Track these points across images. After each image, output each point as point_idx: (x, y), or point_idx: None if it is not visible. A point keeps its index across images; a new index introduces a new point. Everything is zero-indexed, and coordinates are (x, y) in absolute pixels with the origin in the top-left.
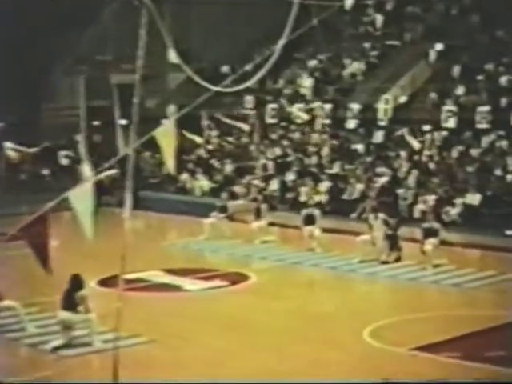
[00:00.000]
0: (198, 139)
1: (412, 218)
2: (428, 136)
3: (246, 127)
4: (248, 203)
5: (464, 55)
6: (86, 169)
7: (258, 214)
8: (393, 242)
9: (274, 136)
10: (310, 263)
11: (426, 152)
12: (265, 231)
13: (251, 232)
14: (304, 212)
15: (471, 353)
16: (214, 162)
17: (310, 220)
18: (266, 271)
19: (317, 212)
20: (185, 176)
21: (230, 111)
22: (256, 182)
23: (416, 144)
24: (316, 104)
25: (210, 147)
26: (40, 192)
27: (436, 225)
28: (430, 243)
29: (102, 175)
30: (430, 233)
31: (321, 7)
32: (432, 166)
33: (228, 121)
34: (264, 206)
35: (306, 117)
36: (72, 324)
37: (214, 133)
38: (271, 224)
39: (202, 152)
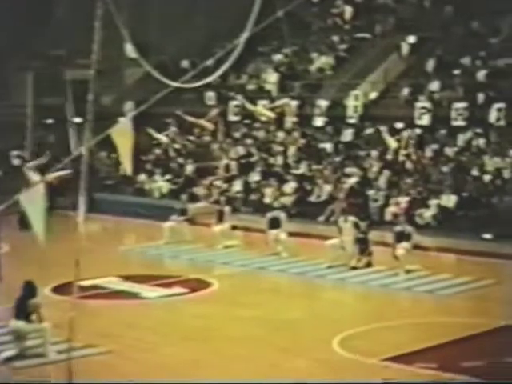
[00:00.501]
0: (164, 138)
1: (383, 220)
2: (404, 134)
3: (209, 125)
4: (210, 205)
5: (438, 48)
6: (32, 170)
7: (220, 217)
8: (363, 246)
9: (237, 134)
10: (275, 269)
11: (403, 151)
12: (227, 235)
13: (213, 236)
14: (269, 215)
15: (447, 363)
16: (174, 162)
17: (275, 223)
18: (228, 277)
19: (282, 215)
20: (142, 177)
21: (191, 108)
22: (218, 183)
23: (393, 143)
24: (282, 100)
25: (176, 146)
26: None
27: (409, 228)
28: (403, 247)
29: (52, 176)
30: (402, 236)
31: None
32: (404, 165)
33: (190, 119)
34: (226, 209)
35: (272, 115)
36: (25, 334)
37: (175, 131)
38: (234, 227)
39: (160, 152)
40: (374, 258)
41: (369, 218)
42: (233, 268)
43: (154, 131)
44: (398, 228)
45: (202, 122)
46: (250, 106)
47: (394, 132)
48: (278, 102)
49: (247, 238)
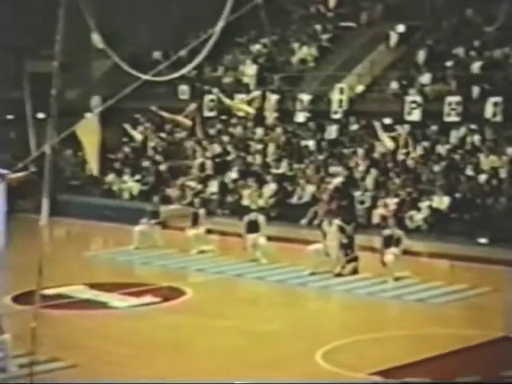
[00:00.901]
0: (138, 135)
1: (370, 224)
2: (401, 131)
3: (188, 122)
4: (183, 208)
5: (429, 38)
6: None
7: (194, 221)
8: (349, 251)
9: (212, 131)
10: (253, 276)
11: (403, 150)
12: (202, 240)
13: (187, 241)
14: (247, 218)
15: (439, 377)
16: (147, 161)
17: (253, 227)
18: (203, 285)
19: (261, 218)
20: (111, 177)
21: (163, 103)
22: (192, 183)
23: (389, 143)
24: (256, 93)
25: (151, 144)
26: None
27: (398, 232)
28: (391, 253)
29: (12, 177)
30: (391, 241)
31: None
32: (395, 165)
33: (166, 115)
34: (201, 211)
35: (250, 110)
36: None
37: (144, 128)
38: (209, 231)
39: (129, 150)
40: (360, 264)
41: (355, 221)
42: (208, 275)
43: (129, 127)
44: (387, 232)
45: (180, 118)
46: (226, 101)
47: (383, 128)
48: (252, 95)
49: (223, 243)
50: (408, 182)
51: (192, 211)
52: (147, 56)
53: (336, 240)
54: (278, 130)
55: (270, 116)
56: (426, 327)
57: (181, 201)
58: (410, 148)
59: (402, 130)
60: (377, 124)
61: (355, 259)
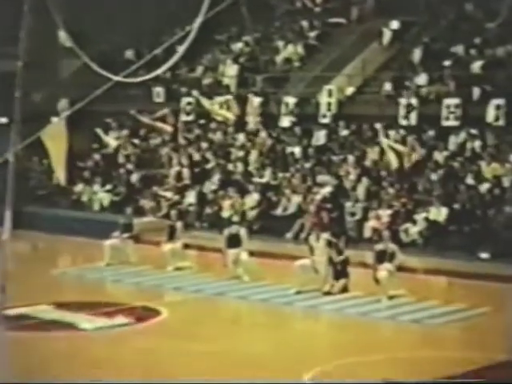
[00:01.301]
0: (113, 142)
1: (362, 237)
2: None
3: (168, 128)
4: (158, 220)
5: (426, 35)
6: None
7: (170, 234)
8: (338, 267)
9: (190, 137)
10: (235, 295)
11: (415, 156)
12: (179, 255)
13: (162, 256)
14: (227, 231)
15: None
16: (119, 170)
17: (234, 241)
18: (180, 305)
19: (243, 231)
20: (80, 187)
21: (136, 106)
22: (168, 193)
23: (402, 148)
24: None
25: (124, 152)
26: None
27: (392, 246)
28: (385, 269)
29: None
30: (384, 256)
31: None
32: (384, 173)
33: (145, 120)
34: (178, 224)
35: (229, 115)
36: None
37: (116, 133)
38: (187, 246)
39: (99, 157)
40: (351, 281)
41: (345, 235)
42: (185, 294)
43: (100, 133)
44: (380, 246)
45: (160, 124)
46: (206, 104)
47: (375, 133)
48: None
49: (202, 259)
50: (403, 191)
51: (168, 224)
52: (119, 55)
53: (324, 255)
54: (262, 135)
55: (253, 120)
56: (422, 350)
57: (156, 213)
58: (418, 153)
59: (410, 137)
60: (378, 125)
61: (345, 276)
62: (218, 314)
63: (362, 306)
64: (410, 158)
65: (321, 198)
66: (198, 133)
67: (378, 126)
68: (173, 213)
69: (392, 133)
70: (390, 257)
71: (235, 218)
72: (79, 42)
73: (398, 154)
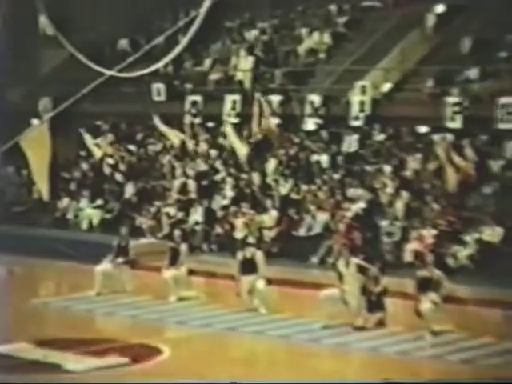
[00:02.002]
0: (95, 149)
1: (401, 262)
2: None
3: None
4: (158, 242)
5: (476, 21)
6: None
7: (173, 259)
8: (373, 298)
9: (195, 143)
10: (250, 330)
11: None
12: (183, 283)
13: (163, 284)
14: (241, 255)
15: None
16: (109, 182)
17: (249, 266)
18: (184, 342)
19: (259, 255)
20: (65, 202)
21: (132, 106)
22: (170, 210)
23: (463, 163)
24: (257, 95)
25: (110, 160)
26: None
27: (437, 272)
28: (429, 300)
29: None
30: (427, 284)
31: None
32: (428, 185)
33: (163, 128)
34: (182, 247)
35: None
36: None
37: (109, 138)
38: (192, 272)
39: (88, 167)
40: (388, 314)
41: (381, 259)
42: (190, 329)
43: (88, 138)
44: (423, 273)
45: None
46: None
47: (416, 138)
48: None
49: (211, 288)
50: (450, 208)
51: (170, 246)
52: (111, 46)
53: (356, 283)
54: (279, 141)
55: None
56: None
57: (156, 233)
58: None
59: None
60: (440, 140)
61: (381, 308)
62: (230, 354)
63: (402, 343)
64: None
65: (352, 215)
66: (205, 137)
67: (421, 129)
68: (176, 233)
69: (436, 137)
70: (434, 285)
71: (250, 239)
72: (64, 30)
73: (457, 170)
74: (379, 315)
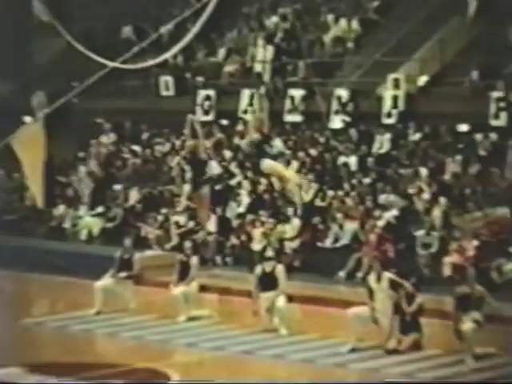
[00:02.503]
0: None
1: (440, 277)
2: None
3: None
4: (166, 254)
5: None
6: None
7: (182, 273)
8: (407, 317)
9: (207, 143)
10: (269, 353)
11: None
12: (194, 300)
13: (172, 302)
14: (259, 269)
15: None
16: (110, 187)
17: (269, 282)
18: (195, 366)
19: (280, 268)
20: (61, 209)
21: (138, 101)
22: (179, 218)
23: None
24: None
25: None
26: None
27: (480, 289)
28: (471, 319)
29: None
30: (468, 302)
31: None
32: (469, 190)
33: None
34: (193, 259)
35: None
36: None
37: (111, 137)
38: (205, 289)
39: (86, 170)
40: (424, 336)
41: (416, 274)
42: (202, 352)
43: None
44: (463, 289)
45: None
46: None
47: (456, 137)
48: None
49: (225, 306)
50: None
51: (179, 259)
52: (114, 34)
53: (388, 301)
54: (301, 140)
55: (290, 120)
56: None
57: (163, 244)
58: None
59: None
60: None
61: (417, 329)
62: (247, 378)
63: (440, 368)
64: None
65: (384, 224)
66: (219, 137)
67: (462, 127)
68: (186, 244)
69: (479, 137)
70: (476, 303)
71: (269, 252)
72: (60, 16)
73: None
74: (414, 337)
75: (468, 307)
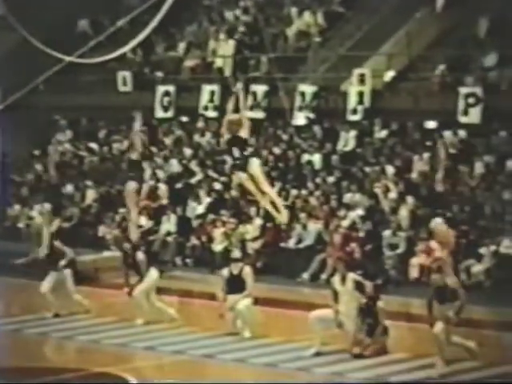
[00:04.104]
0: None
1: (407, 279)
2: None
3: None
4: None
5: None
6: None
7: (139, 274)
8: (372, 320)
9: (167, 140)
10: (231, 356)
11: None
12: (153, 302)
13: (129, 304)
14: (226, 271)
15: None
16: (66, 185)
17: (235, 284)
18: (155, 370)
19: (248, 270)
20: (16, 209)
21: (95, 97)
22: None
23: None
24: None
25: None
26: None
27: (455, 281)
28: (441, 316)
29: None
30: (444, 294)
31: None
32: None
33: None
34: (139, 255)
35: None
36: None
37: (68, 134)
38: (164, 291)
39: (42, 169)
40: (391, 339)
41: (382, 275)
42: (161, 356)
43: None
44: (438, 280)
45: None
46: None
47: (424, 135)
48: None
49: (185, 308)
50: (463, 216)
51: (136, 260)
52: (70, 27)
53: (353, 303)
54: (264, 138)
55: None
56: None
57: (119, 244)
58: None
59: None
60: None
61: (384, 332)
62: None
63: (408, 372)
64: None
65: (349, 224)
66: (179, 134)
67: (430, 124)
68: (142, 245)
69: (448, 134)
70: (451, 295)
71: (236, 253)
72: (15, 9)
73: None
74: (380, 340)
75: (444, 299)
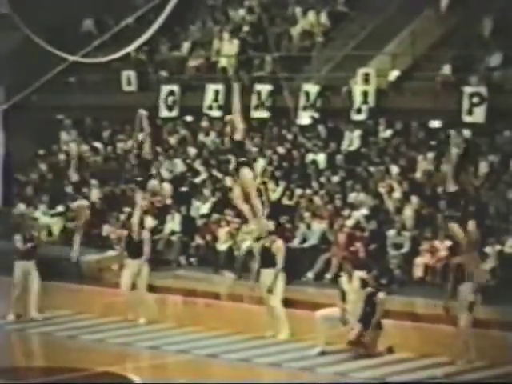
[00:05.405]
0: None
1: (411, 278)
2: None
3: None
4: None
5: None
6: None
7: (141, 253)
8: (370, 309)
9: (171, 140)
10: (235, 357)
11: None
12: (142, 294)
13: (132, 303)
14: (256, 245)
15: None
16: (72, 185)
17: (264, 258)
18: (158, 370)
19: (279, 244)
20: (21, 208)
21: (100, 97)
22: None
23: None
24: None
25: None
26: None
27: (475, 257)
28: (465, 307)
29: None
30: (463, 273)
31: None
32: (441, 188)
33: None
34: (145, 234)
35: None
36: None
37: (72, 134)
38: (168, 290)
39: (46, 168)
40: (396, 339)
41: (388, 275)
42: (164, 355)
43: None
44: (457, 259)
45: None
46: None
47: (428, 134)
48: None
49: (189, 308)
50: (467, 215)
51: (140, 260)
52: (74, 27)
53: (359, 302)
54: (269, 138)
55: (257, 116)
56: None
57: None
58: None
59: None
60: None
61: (378, 326)
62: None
63: (412, 372)
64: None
65: (353, 223)
66: (183, 134)
67: (434, 124)
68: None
69: (452, 133)
70: (470, 275)
71: (239, 252)
72: (19, 8)
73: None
74: (376, 331)
75: (461, 278)
